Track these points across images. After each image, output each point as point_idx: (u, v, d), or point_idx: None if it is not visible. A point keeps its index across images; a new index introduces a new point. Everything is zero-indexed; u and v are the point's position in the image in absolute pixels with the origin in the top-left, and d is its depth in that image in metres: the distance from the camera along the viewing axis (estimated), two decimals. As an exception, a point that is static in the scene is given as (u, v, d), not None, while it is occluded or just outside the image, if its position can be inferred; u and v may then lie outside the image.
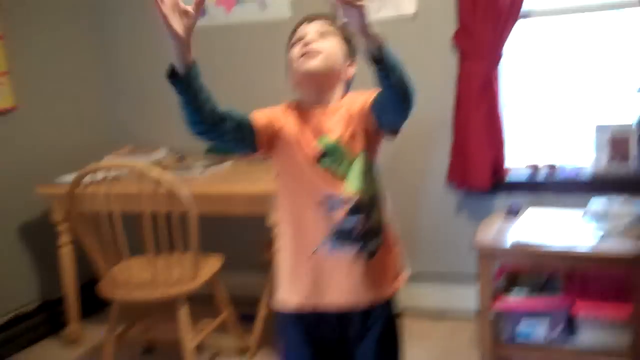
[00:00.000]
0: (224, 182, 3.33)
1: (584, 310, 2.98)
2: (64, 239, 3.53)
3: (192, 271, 3.05)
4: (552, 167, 3.43)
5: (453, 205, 3.63)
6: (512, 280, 3.28)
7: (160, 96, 4.03)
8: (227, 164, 3.62)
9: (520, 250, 2.95)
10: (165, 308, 3.32)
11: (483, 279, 3.03)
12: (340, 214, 1.83)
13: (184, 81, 1.67)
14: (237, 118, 1.79)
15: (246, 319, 3.56)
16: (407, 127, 3.66)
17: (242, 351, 3.42)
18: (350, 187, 1.83)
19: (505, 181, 3.44)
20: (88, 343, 3.65)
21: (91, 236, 3.00)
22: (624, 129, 3.27)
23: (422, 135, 3.61)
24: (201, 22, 3.85)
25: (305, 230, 1.85)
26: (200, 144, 3.80)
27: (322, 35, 1.83)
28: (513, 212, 3.30)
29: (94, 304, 3.83)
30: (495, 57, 3.31)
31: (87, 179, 2.89)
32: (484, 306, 3.04)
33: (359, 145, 1.84)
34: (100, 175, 2.89)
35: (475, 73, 3.32)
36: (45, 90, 3.86)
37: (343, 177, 1.83)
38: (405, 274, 2.02)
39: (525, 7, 3.25)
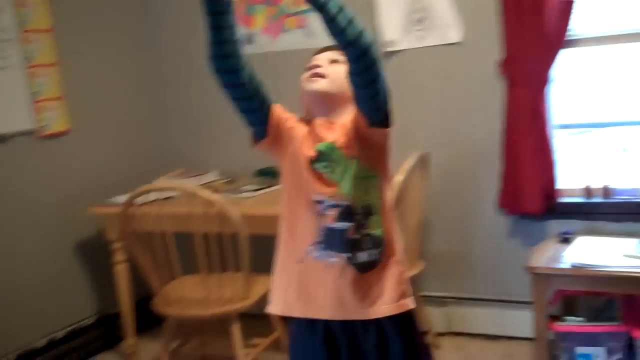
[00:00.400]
0: (273, 204, 3.34)
1: (643, 337, 2.92)
2: (118, 257, 3.61)
3: (244, 290, 3.09)
4: (606, 189, 3.37)
5: (505, 230, 3.59)
6: (568, 305, 3.23)
7: (212, 119, 4.14)
8: (277, 187, 3.65)
9: (577, 272, 2.91)
10: (219, 325, 3.37)
11: (537, 302, 2.99)
12: (329, 217, 1.88)
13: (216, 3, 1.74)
14: (261, 87, 1.90)
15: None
16: (457, 152, 3.68)
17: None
18: (341, 191, 1.88)
19: (558, 205, 3.39)
20: (144, 357, 3.72)
21: (144, 255, 3.07)
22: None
23: (472, 161, 3.59)
24: (248, 49, 3.93)
25: (297, 232, 1.93)
26: (250, 167, 3.87)
27: (332, 62, 1.94)
28: (566, 238, 3.25)
29: (149, 320, 3.89)
30: (543, 82, 3.27)
31: (139, 199, 2.96)
32: (539, 330, 3.00)
33: (354, 151, 1.89)
34: (152, 197, 2.95)
35: (523, 99, 3.29)
36: (99, 114, 3.97)
37: (336, 181, 1.89)
38: (410, 298, 1.98)
39: (572, 34, 3.22)
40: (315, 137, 1.93)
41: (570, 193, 3.46)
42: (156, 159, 4.24)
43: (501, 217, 3.57)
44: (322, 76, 1.93)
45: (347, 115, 1.93)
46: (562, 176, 3.40)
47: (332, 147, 1.90)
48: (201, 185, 3.42)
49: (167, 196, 3.46)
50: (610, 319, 3.06)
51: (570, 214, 3.42)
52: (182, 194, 3.38)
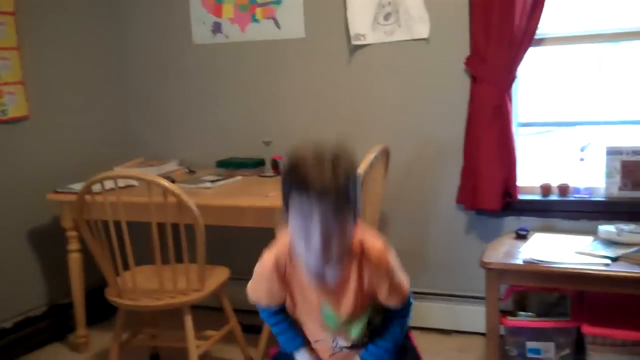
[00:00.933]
0: (232, 195, 3.33)
1: (592, 332, 2.96)
2: (72, 245, 3.55)
3: (198, 281, 3.06)
4: (564, 187, 3.41)
5: (462, 226, 3.62)
6: (520, 301, 3.27)
7: (174, 109, 4.11)
8: (237, 179, 3.64)
9: (529, 268, 2.94)
10: (172, 317, 3.33)
11: (490, 297, 3.02)
12: (341, 348, 2.00)
13: None
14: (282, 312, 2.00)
15: (251, 330, 3.56)
16: (419, 147, 3.70)
17: (247, 363, 3.43)
18: (351, 336, 1.97)
19: (516, 202, 3.42)
20: (94, 348, 3.67)
21: (99, 244, 3.02)
22: (637, 152, 3.24)
23: (434, 156, 3.62)
24: (215, 39, 3.92)
25: (307, 330, 2.01)
26: (210, 158, 3.85)
27: (331, 239, 1.71)
28: (522, 235, 3.29)
29: (102, 311, 3.85)
30: (508, 80, 3.30)
31: (96, 187, 2.90)
32: (491, 325, 3.03)
33: (363, 310, 1.93)
34: (109, 185, 2.90)
35: (487, 96, 3.31)
36: (59, 101, 3.90)
37: (345, 330, 1.95)
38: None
39: (539, 33, 3.25)
40: (319, 296, 1.91)
41: (528, 190, 3.50)
42: (116, 147, 4.18)
43: (459, 213, 3.60)
44: (329, 258, 1.77)
45: (349, 271, 1.88)
46: (521, 174, 3.44)
47: (339, 318, 1.92)
48: (160, 174, 3.37)
49: (125, 185, 3.42)
50: (561, 315, 3.11)
51: (527, 211, 3.46)
52: (140, 182, 3.35)
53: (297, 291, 1.92)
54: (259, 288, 1.98)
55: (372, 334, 2.00)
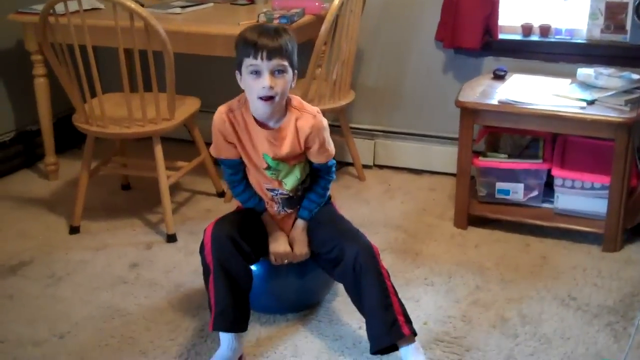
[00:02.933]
0: (203, 22, 3.21)
1: (561, 175, 2.99)
2: (39, 70, 3.44)
3: (168, 111, 3.00)
4: (545, 28, 3.32)
5: (440, 64, 3.54)
6: (493, 142, 3.27)
7: None
8: (208, 5, 3.49)
9: (503, 109, 2.91)
10: (143, 148, 3.31)
11: (463, 137, 3.01)
12: (279, 199, 2.39)
13: None
14: (241, 173, 2.39)
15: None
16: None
17: (219, 194, 3.44)
18: (286, 187, 2.34)
19: (496, 42, 3.33)
20: (64, 176, 3.66)
21: (65, 68, 2.92)
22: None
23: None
24: None
25: (260, 192, 2.41)
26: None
27: (277, 74, 2.15)
28: (500, 75, 3.23)
29: (71, 139, 3.80)
30: None
31: (59, 8, 2.76)
32: (462, 164, 3.04)
33: (296, 160, 2.31)
34: (73, 6, 2.76)
35: None
36: None
37: (281, 180, 2.33)
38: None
39: None
40: (262, 147, 2.27)
41: (509, 30, 3.42)
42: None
43: (437, 51, 3.51)
44: (274, 97, 2.16)
45: (290, 123, 2.26)
46: (503, 12, 3.32)
47: (277, 162, 2.28)
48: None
49: (90, 7, 3.28)
50: (533, 157, 3.12)
51: (506, 51, 3.40)
52: (106, 4, 3.21)
53: (245, 137, 2.29)
54: (217, 142, 2.34)
55: (305, 191, 2.39)
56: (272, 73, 2.14)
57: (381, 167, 3.78)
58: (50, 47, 2.90)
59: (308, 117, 2.27)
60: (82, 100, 2.98)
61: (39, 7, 3.15)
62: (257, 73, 2.14)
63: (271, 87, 2.13)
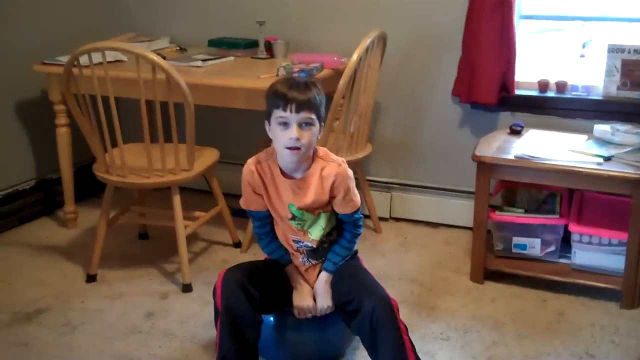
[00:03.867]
0: (223, 75, 3.27)
1: (579, 230, 2.97)
2: (61, 119, 3.50)
3: (187, 161, 3.03)
4: (562, 84, 3.35)
5: (457, 119, 3.57)
6: (510, 197, 3.27)
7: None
8: (229, 59, 3.55)
9: (520, 164, 2.92)
10: (161, 197, 3.33)
11: (479, 191, 3.02)
12: (304, 250, 2.44)
13: None
14: (268, 226, 2.46)
15: (240, 214, 3.57)
16: (417, 36, 3.62)
17: (235, 245, 3.45)
18: (311, 237, 2.39)
19: (512, 97, 3.36)
20: (83, 224, 3.69)
21: (87, 118, 2.97)
22: (639, 51, 3.16)
23: (432, 45, 3.53)
24: None
25: (285, 244, 2.47)
26: (203, 36, 3.75)
27: (304, 127, 2.21)
28: (516, 130, 3.25)
29: (91, 188, 3.85)
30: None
31: (84, 60, 2.83)
32: (479, 219, 3.04)
33: (321, 209, 2.36)
34: (97, 58, 2.82)
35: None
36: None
37: (307, 231, 2.38)
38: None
39: None
40: (287, 197, 2.33)
41: (526, 86, 3.44)
42: (106, 21, 4.05)
43: (454, 106, 3.54)
44: (300, 148, 2.22)
45: (315, 172, 2.31)
46: (519, 68, 3.36)
47: (302, 212, 2.33)
48: (151, 51, 3.29)
49: (114, 59, 3.35)
50: (549, 212, 3.12)
51: (523, 106, 3.42)
52: (129, 57, 3.27)
53: (272, 187, 2.35)
54: (246, 195, 2.40)
55: (331, 244, 2.43)
56: (300, 125, 2.20)
57: (397, 219, 3.78)
58: (74, 97, 2.95)
59: (333, 166, 2.31)
60: (103, 150, 3.02)
61: (64, 59, 3.23)
62: (285, 124, 2.20)
63: (298, 139, 2.19)
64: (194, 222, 3.20)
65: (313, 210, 2.33)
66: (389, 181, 3.77)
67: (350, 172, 2.34)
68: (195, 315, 2.85)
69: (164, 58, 3.00)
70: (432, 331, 2.73)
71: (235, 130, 3.92)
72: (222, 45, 3.66)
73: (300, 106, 2.18)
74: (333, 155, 2.36)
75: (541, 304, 2.94)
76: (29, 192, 3.75)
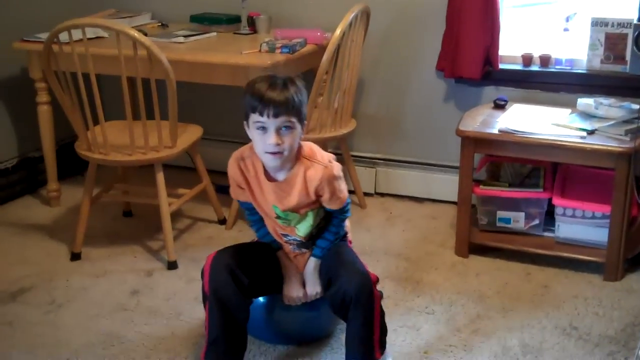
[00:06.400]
0: (206, 51, 3.23)
1: (562, 204, 2.99)
2: (42, 97, 3.46)
3: (170, 138, 3.01)
4: (546, 58, 3.34)
5: (441, 94, 3.56)
6: (494, 171, 3.28)
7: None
8: (211, 35, 3.52)
9: (504, 138, 2.92)
10: (144, 174, 3.32)
11: (464, 166, 3.02)
12: (291, 243, 2.39)
13: None
14: (258, 214, 2.39)
15: (224, 191, 3.55)
16: (401, 11, 3.60)
17: (220, 222, 3.44)
18: (299, 233, 2.34)
19: (496, 72, 3.35)
20: (66, 202, 3.67)
21: (68, 96, 2.94)
22: (623, 24, 3.15)
23: (415, 21, 3.51)
24: None
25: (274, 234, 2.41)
26: (185, 12, 3.71)
27: (284, 131, 2.12)
28: (500, 104, 3.25)
29: (74, 166, 3.82)
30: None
31: (63, 37, 2.79)
32: (463, 193, 3.05)
33: (308, 207, 2.28)
34: (77, 35, 2.79)
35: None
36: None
37: (294, 227, 2.32)
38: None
39: None
40: (271, 198, 2.26)
41: (509, 60, 3.44)
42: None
43: (438, 81, 3.53)
44: (282, 152, 2.14)
45: (298, 173, 2.22)
46: (503, 43, 3.35)
47: (286, 213, 2.27)
48: (132, 27, 3.25)
49: (94, 36, 3.31)
50: (533, 186, 3.13)
51: (507, 81, 3.41)
52: (110, 33, 3.24)
53: (255, 186, 2.29)
54: (233, 187, 2.36)
55: (320, 231, 2.37)
56: (279, 130, 2.11)
57: (382, 195, 3.79)
58: (54, 75, 2.92)
59: (318, 168, 2.22)
60: (85, 128, 3.00)
61: (44, 36, 3.18)
62: (263, 129, 2.12)
63: (277, 144, 2.11)
64: (178, 199, 3.19)
65: (298, 210, 2.28)
66: (373, 156, 3.77)
67: (338, 171, 2.25)
68: (180, 292, 2.85)
69: (146, 34, 2.98)
70: (417, 305, 2.74)
71: (219, 107, 3.90)
72: (204, 21, 3.62)
73: (278, 110, 2.08)
74: (319, 154, 2.26)
75: (525, 277, 2.96)
76: (12, 170, 3.72)
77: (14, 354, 2.47)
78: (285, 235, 2.36)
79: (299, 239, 2.35)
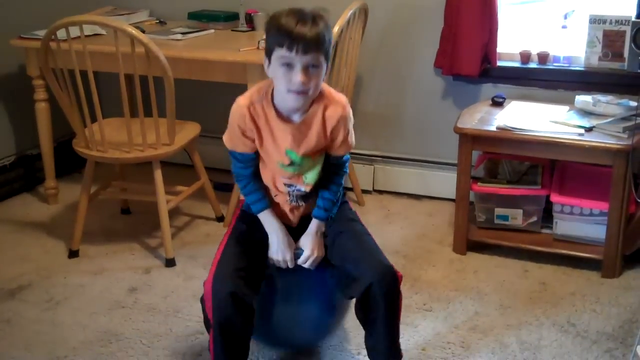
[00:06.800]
0: (203, 49, 3.23)
1: (560, 201, 3.00)
2: (40, 94, 3.46)
3: (168, 136, 3.01)
4: (544, 55, 3.34)
5: (439, 91, 3.56)
6: (492, 168, 3.28)
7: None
8: (209, 32, 3.52)
9: (502, 135, 2.92)
10: (143, 172, 3.31)
11: (462, 163, 3.02)
12: (294, 194, 2.23)
13: None
14: (251, 168, 2.22)
15: (222, 188, 3.57)
16: (399, 8, 3.60)
17: (218, 219, 3.44)
18: (306, 181, 2.20)
19: (494, 69, 3.35)
20: (64, 200, 3.67)
21: (66, 93, 2.94)
22: (621, 22, 3.15)
23: (413, 18, 3.50)
24: None
25: (266, 174, 2.23)
26: (182, 9, 3.71)
27: (311, 69, 1.98)
28: (498, 102, 3.25)
29: (72, 164, 3.81)
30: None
31: (61, 34, 2.79)
32: (461, 190, 3.05)
33: (319, 154, 2.18)
34: (75, 32, 2.79)
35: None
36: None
37: (302, 175, 2.19)
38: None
39: None
40: (285, 141, 2.12)
41: (508, 57, 3.43)
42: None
43: (436, 78, 3.53)
44: (307, 92, 2.01)
45: (317, 113, 2.10)
46: (501, 40, 3.34)
47: (301, 158, 2.14)
48: (129, 24, 3.25)
49: (92, 33, 3.30)
50: (531, 183, 3.13)
51: (505, 78, 3.41)
52: (108, 30, 3.24)
53: (266, 132, 2.12)
54: (233, 134, 2.17)
55: (317, 186, 2.23)
56: (306, 68, 1.96)
57: (380, 192, 3.79)
58: (52, 72, 2.92)
59: (337, 108, 2.11)
60: (83, 125, 2.99)
61: (41, 33, 3.18)
62: (289, 66, 1.97)
63: (304, 83, 1.97)
64: (176, 196, 3.19)
65: (314, 154, 2.15)
66: (371, 154, 3.77)
67: (351, 112, 2.16)
68: (178, 290, 2.85)
69: (143, 31, 2.97)
70: (415, 302, 2.74)
71: (217, 104, 3.86)
72: (202, 18, 3.62)
73: (308, 47, 1.93)
74: (335, 93, 2.15)
75: (523, 274, 2.96)
76: (9, 168, 3.72)
77: (12, 352, 2.47)
78: (290, 186, 2.20)
79: (302, 189, 2.20)
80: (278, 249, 2.20)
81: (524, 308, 2.70)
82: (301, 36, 1.92)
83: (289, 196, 2.23)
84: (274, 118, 2.10)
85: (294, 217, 2.27)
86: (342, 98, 2.14)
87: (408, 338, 2.50)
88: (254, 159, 2.21)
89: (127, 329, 2.59)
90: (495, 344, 2.49)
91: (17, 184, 3.76)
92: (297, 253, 2.22)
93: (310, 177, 2.19)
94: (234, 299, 2.04)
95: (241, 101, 2.13)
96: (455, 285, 2.87)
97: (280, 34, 1.94)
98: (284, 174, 2.18)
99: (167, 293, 2.83)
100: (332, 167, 2.23)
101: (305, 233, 2.23)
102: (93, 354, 2.45)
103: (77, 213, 3.10)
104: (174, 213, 3.42)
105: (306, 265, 2.21)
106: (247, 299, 2.07)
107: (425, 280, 2.91)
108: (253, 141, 2.15)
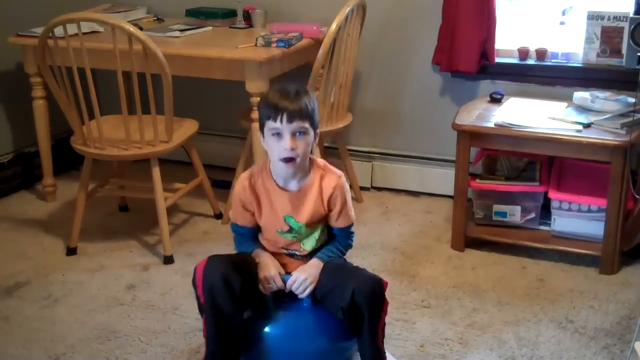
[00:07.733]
0: (201, 46, 3.23)
1: (558, 197, 3.00)
2: (37, 92, 3.45)
3: (166, 133, 3.01)
4: (542, 51, 3.34)
5: (437, 87, 3.56)
6: (490, 165, 3.28)
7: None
8: (207, 29, 3.51)
9: (500, 131, 2.92)
10: (140, 169, 3.31)
11: (460, 159, 3.02)
12: (295, 260, 2.32)
13: None
14: (249, 241, 2.34)
15: (220, 185, 3.57)
16: (397, 4, 3.60)
17: (216, 216, 3.44)
18: (305, 247, 2.31)
19: (492, 65, 3.35)
20: (62, 197, 3.66)
21: (63, 90, 2.93)
22: (619, 18, 3.15)
23: (411, 14, 3.51)
24: None
25: (268, 239, 2.33)
26: (180, 7, 3.71)
27: (298, 136, 2.14)
28: (496, 98, 3.25)
29: (69, 161, 3.81)
30: None
31: (59, 31, 2.78)
32: (459, 187, 3.05)
33: (318, 222, 2.28)
34: (72, 29, 2.78)
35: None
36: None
37: (301, 242, 2.30)
38: None
39: None
40: (283, 209, 2.24)
41: (506, 54, 3.44)
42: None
43: (434, 75, 3.53)
44: (295, 159, 2.15)
45: (314, 182, 2.24)
46: (499, 36, 3.35)
47: (300, 225, 2.25)
48: (127, 21, 3.25)
49: (89, 30, 3.30)
50: (529, 179, 3.13)
51: (503, 74, 3.41)
52: (105, 28, 3.23)
53: (265, 201, 2.26)
54: (235, 208, 2.32)
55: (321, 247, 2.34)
56: (293, 135, 2.13)
57: (379, 189, 3.79)
58: (49, 69, 2.92)
59: (332, 177, 2.25)
60: (81, 122, 2.99)
61: (39, 30, 3.17)
62: (278, 135, 2.14)
63: (292, 149, 2.13)
64: (174, 193, 3.19)
65: (311, 222, 2.26)
66: (369, 150, 3.77)
67: (347, 186, 2.29)
68: (176, 287, 2.85)
69: (141, 29, 2.96)
70: (413, 299, 2.74)
71: (214, 101, 3.90)
72: (200, 15, 3.62)
73: (292, 116, 2.11)
74: (331, 167, 2.30)
75: (521, 270, 2.96)
76: (7, 165, 3.72)
77: (10, 349, 2.47)
78: (287, 249, 2.32)
79: (298, 253, 2.31)
80: (268, 269, 2.24)
81: (522, 304, 2.70)
82: (284, 107, 2.12)
83: (287, 257, 2.33)
84: (273, 188, 2.25)
85: (289, 264, 2.32)
86: (338, 171, 2.29)
87: (406, 335, 2.51)
88: (250, 232, 2.34)
89: (125, 326, 2.59)
90: (494, 340, 2.49)
91: (14, 181, 3.76)
92: (283, 278, 2.23)
93: (309, 244, 2.31)
94: (224, 281, 2.11)
95: (243, 176, 2.31)
96: (453, 282, 2.87)
97: (268, 107, 2.14)
98: (283, 242, 2.30)
99: (166, 290, 2.83)
100: (337, 236, 2.34)
101: (300, 266, 2.28)
102: (91, 351, 2.45)
103: (75, 210, 3.10)
104: (172, 210, 3.42)
105: (294, 288, 2.21)
106: (236, 284, 2.12)
107: (424, 277, 2.91)
108: (252, 214, 2.29)
